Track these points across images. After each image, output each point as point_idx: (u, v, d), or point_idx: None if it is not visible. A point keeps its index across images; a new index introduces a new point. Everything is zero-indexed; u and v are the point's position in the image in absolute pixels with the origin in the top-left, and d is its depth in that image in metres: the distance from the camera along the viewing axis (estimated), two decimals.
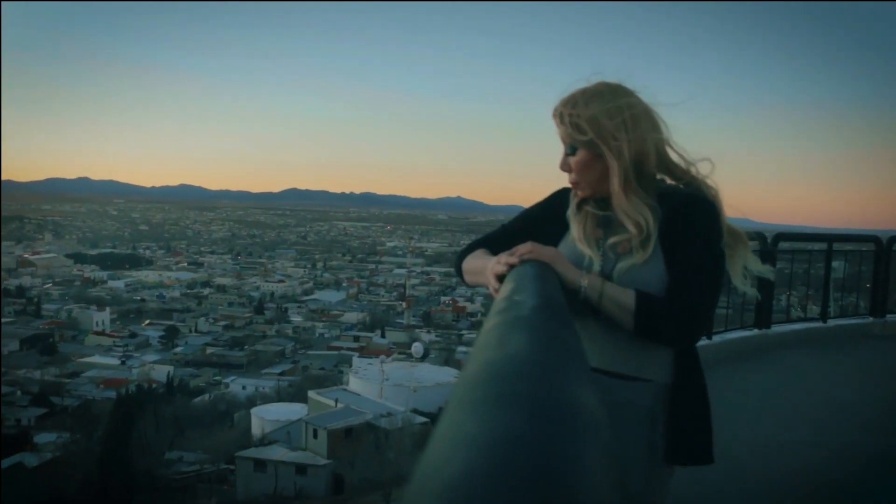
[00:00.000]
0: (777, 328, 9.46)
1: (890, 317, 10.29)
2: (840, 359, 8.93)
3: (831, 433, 5.87)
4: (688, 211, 2.10)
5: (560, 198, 2.37)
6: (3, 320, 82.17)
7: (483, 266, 2.18)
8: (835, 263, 10.51)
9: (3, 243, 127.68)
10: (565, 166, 2.19)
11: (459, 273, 2.47)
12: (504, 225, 2.53)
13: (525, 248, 2.04)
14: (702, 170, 2.17)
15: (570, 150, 2.16)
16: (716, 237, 2.11)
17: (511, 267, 2.00)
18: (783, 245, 9.88)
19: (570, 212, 2.27)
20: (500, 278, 2.00)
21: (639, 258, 2.08)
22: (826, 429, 6.00)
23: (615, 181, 2.10)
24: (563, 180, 2.29)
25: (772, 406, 6.70)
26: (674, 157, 2.17)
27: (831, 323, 10.06)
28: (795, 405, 6.76)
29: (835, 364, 8.69)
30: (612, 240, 2.15)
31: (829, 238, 10.62)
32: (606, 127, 2.08)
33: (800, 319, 10.38)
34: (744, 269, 2.30)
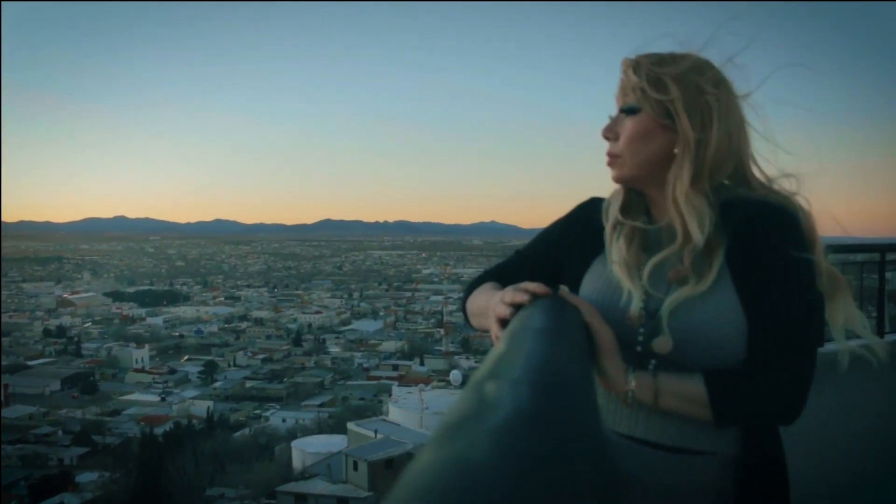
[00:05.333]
0: (830, 345, 8.94)
1: None
2: None
3: None
4: (765, 222, 1.52)
5: (588, 211, 1.80)
6: (44, 360, 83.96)
7: (486, 306, 1.62)
8: (888, 275, 10.03)
9: (43, 284, 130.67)
10: (610, 131, 1.63)
11: (465, 314, 1.92)
12: (519, 250, 1.96)
13: (540, 290, 1.49)
14: (785, 186, 1.60)
15: (629, 109, 1.58)
16: (808, 262, 1.52)
17: (518, 308, 1.46)
18: (832, 258, 9.39)
19: (609, 228, 1.69)
20: (506, 323, 1.46)
21: (694, 287, 1.51)
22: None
23: (683, 172, 1.53)
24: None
25: (836, 432, 6.20)
26: (755, 171, 1.61)
27: (888, 338, 9.54)
28: (862, 429, 6.25)
29: None
30: (655, 259, 1.57)
31: (882, 248, 10.16)
32: (700, 95, 1.54)
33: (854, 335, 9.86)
34: (846, 325, 1.67)
